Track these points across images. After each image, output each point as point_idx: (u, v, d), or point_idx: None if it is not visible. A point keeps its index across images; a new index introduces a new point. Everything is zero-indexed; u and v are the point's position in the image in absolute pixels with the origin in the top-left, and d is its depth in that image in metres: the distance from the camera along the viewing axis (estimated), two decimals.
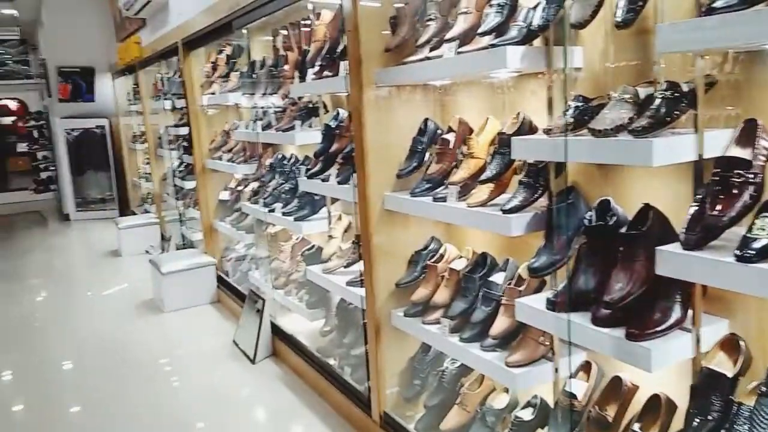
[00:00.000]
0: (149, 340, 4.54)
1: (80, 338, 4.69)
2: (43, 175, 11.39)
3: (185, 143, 5.98)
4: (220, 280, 5.19)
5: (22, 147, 12.30)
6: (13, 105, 12.51)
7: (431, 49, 2.31)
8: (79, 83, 9.03)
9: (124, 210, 9.58)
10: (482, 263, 2.30)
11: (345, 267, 3.07)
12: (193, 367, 3.96)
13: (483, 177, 2.07)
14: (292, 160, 3.95)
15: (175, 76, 6.00)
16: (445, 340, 2.22)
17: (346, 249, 3.17)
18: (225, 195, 5.13)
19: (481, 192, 2.08)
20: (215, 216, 5.32)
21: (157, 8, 5.49)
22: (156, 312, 5.11)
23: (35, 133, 11.34)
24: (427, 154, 2.50)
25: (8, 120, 12.60)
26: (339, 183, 2.93)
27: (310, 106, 3.63)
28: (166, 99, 6.26)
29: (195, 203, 5.93)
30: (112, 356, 4.27)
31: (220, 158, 4.97)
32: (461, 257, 2.46)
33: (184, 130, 5.92)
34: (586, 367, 2.03)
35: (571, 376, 1.98)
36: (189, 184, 5.99)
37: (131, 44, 6.80)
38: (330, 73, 2.98)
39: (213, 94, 4.82)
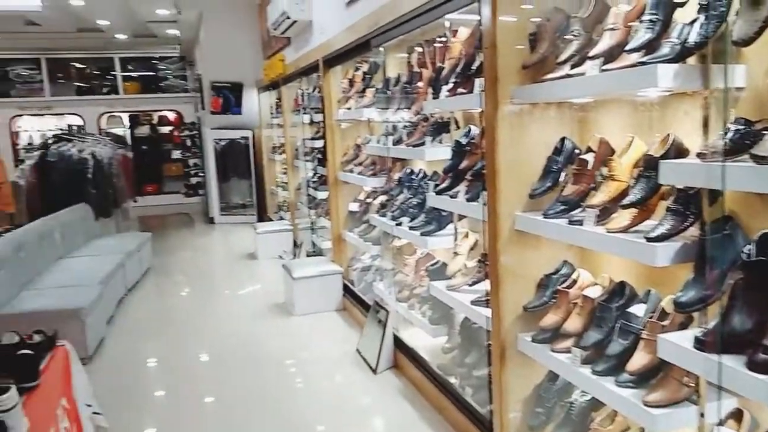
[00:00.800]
0: (278, 341, 4.79)
1: (217, 333, 5.05)
2: (193, 180, 12.47)
3: (320, 155, 6.26)
4: (346, 288, 5.36)
5: (176, 154, 13.59)
6: (171, 116, 13.86)
7: (572, 66, 2.23)
8: (228, 97, 9.82)
9: (262, 216, 10.23)
10: (620, 293, 2.16)
11: (470, 285, 3.04)
12: (317, 370, 4.12)
13: (626, 201, 1.95)
14: (421, 175, 3.99)
15: (314, 91, 6.33)
16: (576, 370, 2.11)
17: (471, 267, 3.14)
18: (354, 206, 5.29)
19: (623, 217, 1.96)
20: (344, 226, 5.51)
21: (301, 28, 5.83)
22: (286, 315, 5.38)
23: (188, 142, 12.46)
24: (563, 175, 2.41)
25: (166, 129, 13.99)
26: (467, 200, 2.91)
27: (441, 122, 3.66)
28: (304, 113, 6.62)
29: (326, 213, 6.18)
30: (243, 352, 4.56)
31: (351, 171, 5.14)
32: (596, 284, 2.33)
33: (319, 143, 6.21)
34: (737, 414, 1.84)
35: (719, 424, 1.80)
36: (321, 195, 6.27)
37: (276, 61, 7.27)
38: (464, 90, 2.99)
39: (348, 109, 5.02)
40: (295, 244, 7.62)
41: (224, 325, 5.27)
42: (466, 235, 3.34)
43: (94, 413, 2.97)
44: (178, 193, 13.17)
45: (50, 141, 7.51)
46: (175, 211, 12.36)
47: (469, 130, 3.16)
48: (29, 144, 13.06)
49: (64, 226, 6.19)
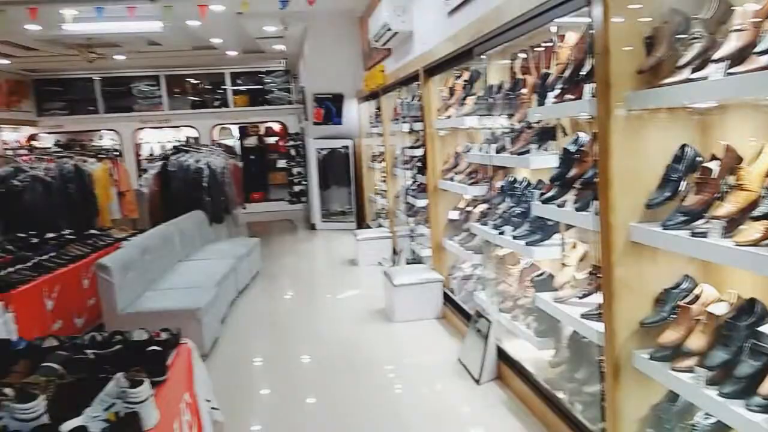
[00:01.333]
0: (378, 347, 4.87)
1: (319, 336, 5.22)
2: (296, 188, 12.97)
3: (419, 163, 6.32)
4: (445, 296, 5.36)
5: (281, 163, 14.21)
6: (276, 127, 14.52)
7: (693, 70, 2.12)
8: (330, 108, 10.14)
9: (361, 223, 10.45)
10: (749, 310, 2.02)
11: (579, 298, 2.95)
12: (417, 377, 4.15)
13: (757, 213, 1.82)
14: (524, 184, 3.92)
15: (414, 100, 6.40)
16: (699, 392, 1.99)
17: (581, 279, 3.04)
18: (454, 215, 5.29)
19: (753, 229, 1.83)
20: (444, 234, 5.51)
21: (402, 39, 5.93)
22: (386, 321, 5.46)
23: (292, 152, 12.99)
24: (683, 184, 2.29)
25: (272, 140, 14.67)
26: (577, 209, 2.83)
27: (546, 129, 3.58)
28: (404, 122, 6.71)
29: (425, 221, 6.22)
30: (344, 356, 4.68)
31: (451, 179, 5.14)
32: (721, 301, 2.19)
33: (419, 151, 6.26)
34: None
35: None
36: (420, 202, 6.31)
37: (377, 72, 7.43)
38: (572, 96, 2.91)
39: (448, 117, 5.03)
40: (395, 252, 7.71)
41: (326, 328, 5.44)
42: (574, 246, 3.24)
43: (213, 408, 3.16)
44: (283, 200, 13.76)
45: (170, 152, 8.10)
46: (280, 217, 12.89)
47: (578, 138, 3.07)
48: (150, 155, 14.19)
49: (182, 231, 6.65)
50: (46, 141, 13.47)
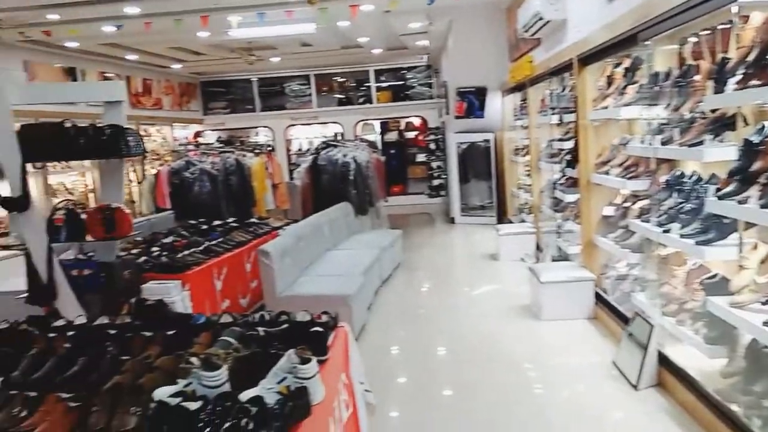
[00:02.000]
0: (521, 344, 4.77)
1: (459, 329, 5.22)
2: (435, 182, 13.07)
3: (568, 157, 6.07)
4: (597, 296, 5.11)
5: (420, 157, 14.40)
6: (417, 122, 14.72)
7: None
8: (472, 101, 10.07)
9: (501, 217, 10.28)
10: None
11: (762, 304, 2.66)
12: (560, 378, 4.02)
13: None
14: (694, 178, 3.61)
15: (564, 91, 6.15)
16: None
17: (762, 283, 2.74)
18: (609, 210, 5.01)
19: None
20: (596, 231, 5.25)
21: (553, 28, 5.72)
22: (530, 318, 5.33)
23: (432, 146, 13.10)
24: None
25: (412, 134, 14.89)
26: (762, 207, 2.55)
27: (724, 118, 3.26)
28: (553, 113, 6.48)
29: (575, 216, 5.96)
30: (481, 351, 4.65)
31: (606, 173, 4.87)
32: None
33: (568, 144, 6.01)
34: None
35: None
36: (569, 197, 6.06)
37: (524, 63, 7.24)
38: (758, 82, 2.63)
39: (605, 108, 4.77)
40: (538, 247, 7.50)
41: (467, 322, 5.42)
42: (755, 247, 2.93)
43: (366, 390, 3.29)
44: (422, 194, 13.94)
45: (321, 147, 8.53)
46: (418, 210, 13.06)
47: (763, 127, 2.77)
48: (299, 150, 15.08)
49: (331, 221, 6.99)
50: (210, 137, 14.83)
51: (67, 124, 4.24)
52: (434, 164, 13.12)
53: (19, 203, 4.14)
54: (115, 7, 6.69)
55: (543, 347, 4.71)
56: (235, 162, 8.62)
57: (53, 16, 6.87)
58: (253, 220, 7.28)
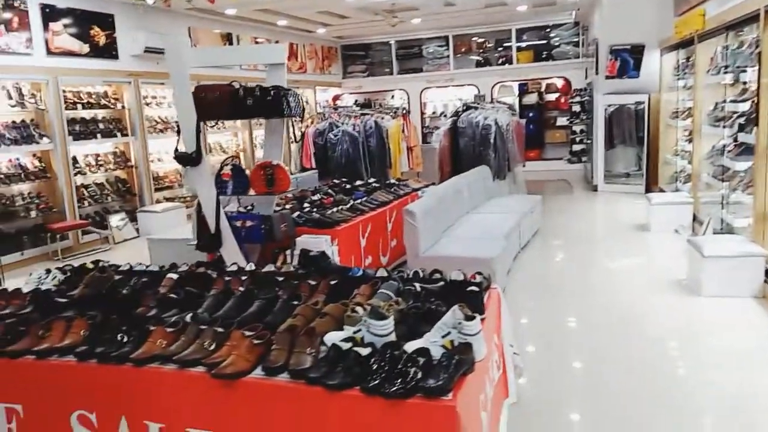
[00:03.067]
0: (672, 320, 4.48)
1: (601, 301, 4.98)
2: (576, 147, 12.43)
3: (741, 120, 5.47)
4: None
5: (561, 121, 13.73)
6: (559, 83, 14.00)
7: None
8: (626, 60, 9.37)
9: (650, 186, 9.59)
10: None
11: None
12: (710, 360, 3.75)
13: None
14: None
15: (742, 47, 5.51)
16: None
17: None
18: None
19: None
20: None
21: None
22: (685, 293, 4.97)
23: (575, 108, 12.41)
24: None
25: (553, 96, 14.21)
26: None
27: None
28: (726, 72, 5.85)
29: (745, 186, 5.41)
30: (627, 325, 4.40)
31: None
32: None
33: (743, 106, 5.42)
34: None
35: None
36: (740, 165, 5.50)
37: (694, 16, 6.57)
38: None
39: None
40: (695, 219, 6.92)
41: (609, 294, 5.17)
42: None
43: (515, 354, 3.27)
44: (560, 159, 13.34)
45: (461, 109, 8.42)
46: (555, 177, 12.52)
47: None
48: (433, 113, 15.03)
49: (470, 184, 6.92)
50: (347, 100, 15.21)
51: (235, 85, 4.55)
52: (576, 128, 12.46)
53: (193, 159, 4.56)
54: None
55: (697, 325, 4.41)
56: (374, 124, 8.79)
57: None
58: (392, 181, 7.41)
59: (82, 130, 7.94)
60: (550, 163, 13.57)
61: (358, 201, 5.95)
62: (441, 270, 3.17)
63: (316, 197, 6.14)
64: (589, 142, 11.29)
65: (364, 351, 2.23)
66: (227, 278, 3.23)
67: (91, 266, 3.61)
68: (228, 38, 10.66)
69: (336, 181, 7.41)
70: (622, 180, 10.27)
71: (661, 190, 8.70)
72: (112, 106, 8.50)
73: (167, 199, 9.44)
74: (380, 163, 8.79)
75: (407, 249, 5.12)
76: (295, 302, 2.81)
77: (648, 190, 9.61)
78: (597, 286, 5.43)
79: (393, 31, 12.44)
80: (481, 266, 4.69)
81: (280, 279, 3.18)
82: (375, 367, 2.16)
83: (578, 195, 10.55)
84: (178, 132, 4.61)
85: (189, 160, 4.55)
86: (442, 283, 2.96)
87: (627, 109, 9.76)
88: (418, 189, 7.01)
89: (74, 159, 7.83)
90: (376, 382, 2.10)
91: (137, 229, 8.52)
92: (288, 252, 4.90)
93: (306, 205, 5.67)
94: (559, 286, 5.55)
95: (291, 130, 6.75)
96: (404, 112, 10.13)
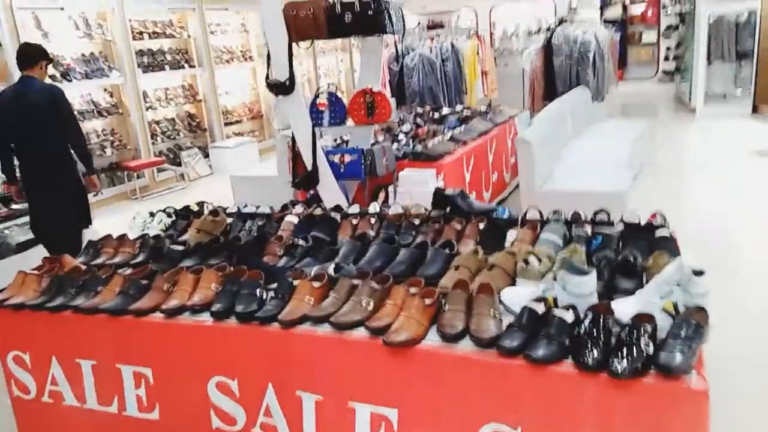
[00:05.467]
0: None
1: (734, 247, 4.35)
2: (667, 66, 11.35)
3: None
4: None
5: (648, 37, 12.54)
6: None
7: None
8: None
9: (758, 107, 8.63)
10: None
11: None
12: None
13: None
14: None
15: None
16: None
17: None
18: None
19: None
20: None
21: None
22: None
23: (669, 21, 11.23)
24: None
25: (639, 8, 12.94)
26: None
27: None
28: None
29: None
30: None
31: None
32: None
33: None
34: None
35: None
36: None
37: None
38: None
39: None
40: None
41: (735, 227, 4.55)
42: None
43: None
44: (647, 78, 12.26)
45: (555, 25, 7.61)
46: (642, 99, 11.50)
47: None
48: (503, 33, 13.95)
49: (573, 108, 6.25)
50: (411, 21, 14.28)
51: (329, 1, 4.00)
52: (667, 44, 11.33)
53: (286, 87, 4.10)
54: None
55: None
56: (450, 46, 8.08)
57: None
58: (482, 108, 6.80)
59: (150, 62, 7.57)
60: (636, 83, 12.48)
61: (457, 130, 5.42)
62: (606, 209, 2.66)
63: (405, 127, 5.64)
64: (683, 58, 10.22)
65: (568, 316, 1.79)
66: (354, 221, 2.84)
67: (196, 208, 3.28)
68: None
69: (420, 109, 6.85)
70: (725, 100, 9.28)
71: None
72: (177, 36, 8.07)
73: (236, 134, 9.12)
74: (456, 89, 8.15)
75: (522, 183, 4.62)
76: (447, 250, 2.38)
77: (755, 110, 8.67)
78: (729, 223, 4.76)
79: None
80: (613, 202, 4.08)
81: (416, 222, 2.75)
82: (585, 336, 1.72)
83: (676, 118, 9.61)
84: (269, 57, 4.14)
85: (282, 87, 4.09)
86: (621, 227, 2.46)
87: (735, 20, 8.67)
88: (514, 116, 6.41)
89: (144, 93, 7.50)
90: (595, 356, 1.67)
91: (210, 166, 8.26)
92: (390, 189, 4.48)
93: (401, 136, 5.19)
94: (697, 233, 4.80)
95: (396, 48, 6.19)
96: (478, 32, 9.31)
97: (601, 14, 13.03)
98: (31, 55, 4.19)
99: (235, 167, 7.81)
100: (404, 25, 4.27)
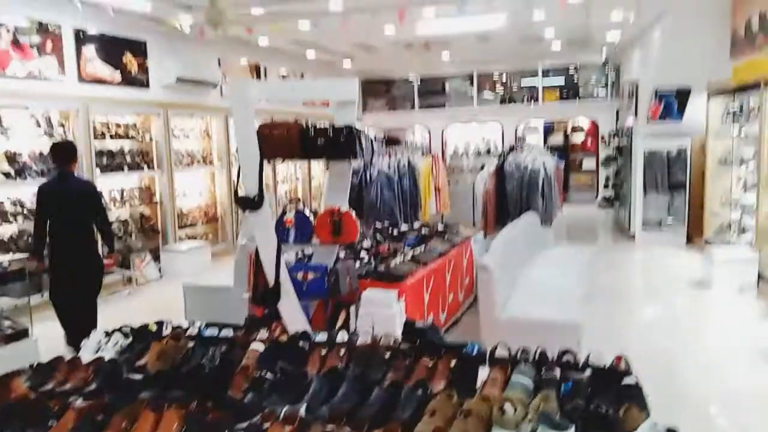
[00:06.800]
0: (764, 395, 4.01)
1: (684, 378, 4.48)
2: (607, 192, 12.11)
3: None
4: None
5: (588, 164, 13.46)
6: (586, 124, 13.77)
7: None
8: (670, 103, 9.08)
9: (691, 237, 9.22)
10: None
11: None
12: None
13: None
14: None
15: None
16: None
17: None
18: None
19: None
20: None
21: None
22: None
23: (606, 152, 12.13)
24: None
25: (579, 138, 13.97)
26: None
27: None
28: None
29: None
30: (727, 407, 3.93)
31: None
32: None
33: None
34: None
35: None
36: None
37: (763, 61, 6.28)
38: None
39: None
40: (760, 277, 6.53)
41: (695, 367, 4.70)
42: None
43: None
44: (586, 204, 13.00)
45: (507, 151, 8.08)
46: (583, 222, 12.04)
47: None
48: (455, 151, 14.71)
49: (526, 233, 6.50)
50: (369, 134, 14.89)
51: (304, 124, 4.16)
52: (606, 172, 12.16)
53: (255, 202, 4.13)
54: (318, 3, 6.69)
55: None
56: (407, 163, 8.42)
57: (257, 11, 6.98)
58: (439, 227, 7.00)
59: (109, 163, 7.52)
60: (576, 207, 13.18)
61: (417, 250, 5.52)
62: (571, 350, 2.72)
63: (366, 244, 5.71)
64: (617, 185, 10.95)
65: None
66: (322, 352, 2.78)
67: (154, 327, 3.15)
68: (256, 69, 10.35)
69: (378, 225, 7.00)
70: (656, 228, 9.88)
71: (707, 242, 8.30)
72: (139, 138, 8.11)
73: (189, 237, 8.99)
74: (412, 204, 8.41)
75: (481, 309, 4.67)
76: (420, 391, 2.35)
77: (689, 240, 9.24)
78: (675, 358, 4.87)
79: (416, 66, 12.18)
80: (568, 333, 4.28)
81: (386, 356, 2.72)
82: None
83: (617, 244, 10.10)
84: (239, 172, 4.20)
85: (251, 203, 4.12)
86: (589, 371, 2.50)
87: (668, 154, 9.44)
88: (470, 237, 6.61)
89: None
90: None
91: (160, 270, 8.04)
92: (352, 309, 4.45)
93: (363, 254, 5.24)
94: (637, 355, 4.95)
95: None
96: (432, 150, 9.81)
97: (545, 141, 14.02)
98: (71, 152, 5.14)
99: (187, 271, 7.64)
100: (373, 150, 4.45)
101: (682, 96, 8.98)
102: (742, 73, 6.85)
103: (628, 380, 2.42)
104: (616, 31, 9.56)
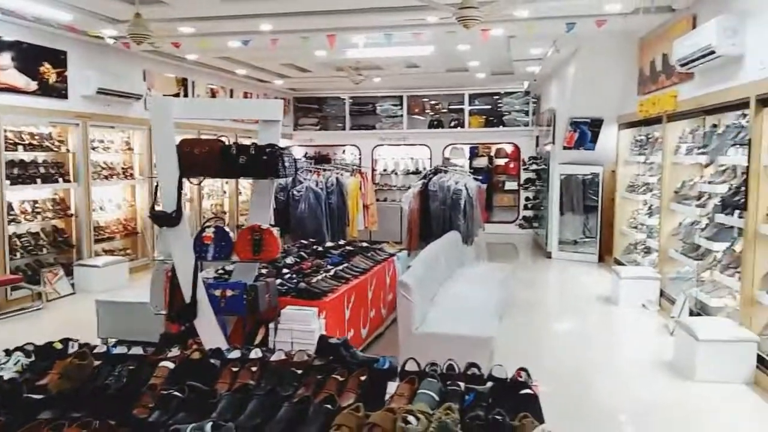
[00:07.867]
0: (674, 408, 4.34)
1: (590, 384, 4.78)
2: (527, 213, 12.63)
3: (717, 201, 5.62)
4: (760, 360, 4.63)
5: (509, 185, 14.00)
6: (509, 148, 14.34)
7: None
8: (585, 132, 9.65)
9: (603, 256, 9.77)
10: None
11: None
12: None
13: None
14: None
15: (719, 130, 5.72)
16: None
17: None
18: None
19: None
20: (761, 287, 4.78)
21: (723, 63, 5.20)
22: (677, 377, 4.88)
23: (528, 175, 12.68)
24: None
25: (502, 161, 14.51)
26: None
27: None
28: (700, 153, 6.04)
29: (724, 267, 5.48)
30: (624, 411, 4.22)
31: None
32: None
33: (721, 188, 5.57)
34: None
35: None
36: (717, 246, 5.60)
37: (665, 97, 6.81)
38: None
39: None
40: (662, 294, 7.00)
41: (599, 376, 5.01)
42: None
43: None
44: (507, 223, 13.51)
45: (431, 172, 8.31)
46: (503, 241, 12.49)
47: None
48: (384, 170, 14.94)
49: (446, 251, 6.70)
50: (297, 153, 14.89)
51: (225, 141, 4.17)
52: (525, 194, 12.70)
53: (172, 219, 4.09)
54: (250, 22, 6.71)
55: (700, 413, 4.28)
56: (335, 180, 8.53)
57: (187, 29, 6.94)
58: (365, 244, 7.10)
59: (21, 174, 7.18)
60: (498, 226, 13.66)
61: (340, 267, 5.58)
62: (477, 363, 2.86)
63: (289, 260, 5.73)
64: (541, 208, 11.48)
65: None
66: (234, 369, 2.79)
67: (59, 345, 3.05)
68: (183, 83, 10.19)
69: (304, 241, 7.02)
70: (571, 248, 10.42)
71: (617, 261, 8.84)
72: (55, 149, 7.78)
73: (106, 252, 8.67)
74: (339, 220, 8.51)
75: (400, 324, 4.78)
76: (329, 405, 2.41)
77: (601, 259, 9.79)
78: (584, 367, 5.22)
79: (348, 87, 12.36)
80: (480, 346, 4.46)
81: (299, 372, 2.76)
82: None
83: (534, 262, 10.56)
84: (156, 189, 4.15)
85: (168, 219, 4.08)
86: (491, 383, 2.64)
87: (583, 179, 10.01)
88: (393, 254, 6.74)
89: (9, 205, 7.02)
90: None
91: (73, 285, 7.70)
92: (271, 325, 4.45)
93: (285, 270, 5.25)
94: (547, 367, 5.10)
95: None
96: (362, 169, 9.96)
97: (470, 163, 14.48)
98: None
99: (103, 286, 7.36)
100: (296, 169, 4.50)
101: (595, 126, 9.56)
102: (647, 107, 7.40)
103: (525, 391, 2.57)
104: (535, 65, 10.08)
